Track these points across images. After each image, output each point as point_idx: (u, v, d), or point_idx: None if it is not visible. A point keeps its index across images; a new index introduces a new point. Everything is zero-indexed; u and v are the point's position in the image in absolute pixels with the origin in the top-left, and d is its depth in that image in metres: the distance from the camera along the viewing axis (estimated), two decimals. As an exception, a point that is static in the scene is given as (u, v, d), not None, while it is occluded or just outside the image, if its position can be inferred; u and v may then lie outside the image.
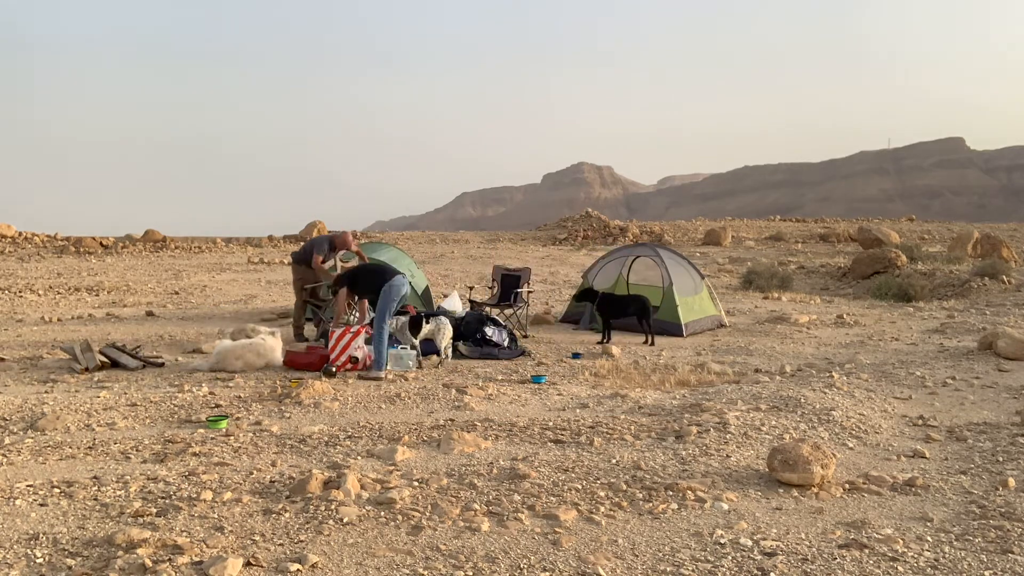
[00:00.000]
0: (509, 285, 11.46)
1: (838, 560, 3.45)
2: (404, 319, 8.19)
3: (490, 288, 11.80)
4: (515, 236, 36.44)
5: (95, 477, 4.45)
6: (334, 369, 7.49)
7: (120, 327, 10.99)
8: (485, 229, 46.05)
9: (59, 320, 11.66)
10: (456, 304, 10.54)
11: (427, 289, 12.03)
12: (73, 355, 7.87)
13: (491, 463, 4.78)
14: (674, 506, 4.08)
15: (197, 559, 3.33)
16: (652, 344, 9.96)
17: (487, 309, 11.11)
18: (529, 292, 11.48)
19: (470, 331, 9.14)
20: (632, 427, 5.62)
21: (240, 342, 8.03)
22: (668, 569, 3.35)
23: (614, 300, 10.47)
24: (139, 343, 9.13)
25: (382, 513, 3.91)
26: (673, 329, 10.72)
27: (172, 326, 11.18)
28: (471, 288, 12.37)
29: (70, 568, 3.26)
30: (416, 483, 4.37)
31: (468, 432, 5.39)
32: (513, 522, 3.83)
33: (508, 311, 11.19)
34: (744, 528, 3.80)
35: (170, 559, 3.31)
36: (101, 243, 25.75)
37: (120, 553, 3.37)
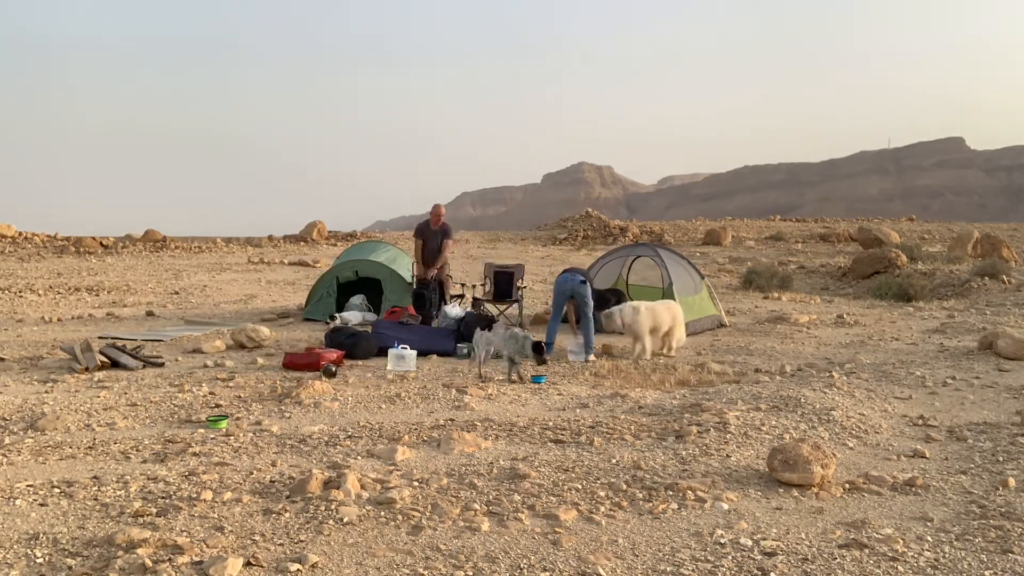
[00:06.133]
0: (503, 281, 11.63)
1: (838, 560, 3.45)
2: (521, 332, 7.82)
3: (483, 286, 11.93)
4: (515, 236, 36.44)
5: (95, 477, 4.45)
6: (334, 369, 7.50)
7: (120, 327, 10.99)
8: (485, 229, 46.03)
9: (59, 320, 11.67)
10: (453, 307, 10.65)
11: None
12: (73, 355, 7.86)
13: (491, 463, 4.78)
14: (674, 506, 4.08)
15: (197, 559, 3.33)
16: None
17: (485, 306, 11.17)
18: (523, 287, 11.66)
19: (470, 332, 9.12)
20: (632, 427, 5.62)
21: None
22: (668, 569, 3.35)
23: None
24: (139, 343, 9.13)
25: (382, 513, 3.91)
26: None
27: (172, 326, 11.18)
28: (474, 287, 12.42)
29: (70, 568, 3.27)
30: (416, 483, 4.37)
31: (468, 432, 5.38)
32: (513, 522, 3.83)
33: (502, 306, 11.31)
34: (744, 528, 3.80)
35: (170, 559, 3.31)
36: (101, 243, 25.75)
37: (120, 553, 3.37)
